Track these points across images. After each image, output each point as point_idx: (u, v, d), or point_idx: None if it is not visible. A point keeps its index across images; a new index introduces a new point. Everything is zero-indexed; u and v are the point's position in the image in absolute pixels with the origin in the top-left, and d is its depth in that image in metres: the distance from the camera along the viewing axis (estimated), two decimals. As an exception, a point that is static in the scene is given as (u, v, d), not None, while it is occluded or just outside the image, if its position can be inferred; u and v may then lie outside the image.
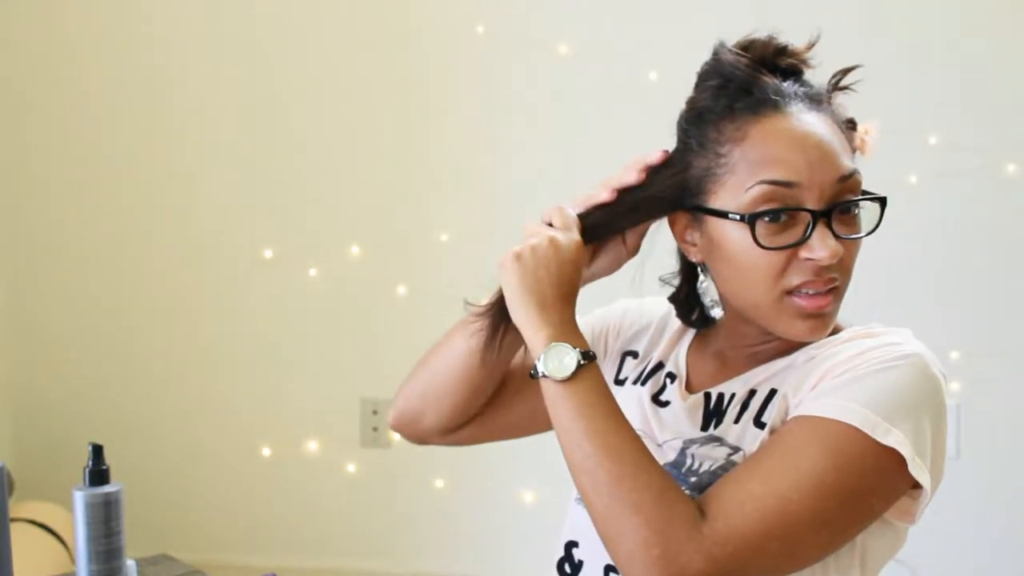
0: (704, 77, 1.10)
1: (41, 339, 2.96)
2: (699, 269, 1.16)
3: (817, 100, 1.08)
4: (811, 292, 1.05)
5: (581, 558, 1.16)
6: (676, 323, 1.25)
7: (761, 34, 1.09)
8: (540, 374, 1.04)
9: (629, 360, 1.25)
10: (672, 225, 1.14)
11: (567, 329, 1.06)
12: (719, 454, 1.08)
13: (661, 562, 0.94)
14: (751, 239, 1.03)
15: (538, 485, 2.69)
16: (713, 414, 1.12)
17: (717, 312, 1.20)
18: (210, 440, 2.87)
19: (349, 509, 2.82)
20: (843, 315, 1.09)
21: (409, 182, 2.75)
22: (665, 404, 1.17)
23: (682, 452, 1.11)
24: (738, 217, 1.04)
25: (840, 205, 1.04)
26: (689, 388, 1.18)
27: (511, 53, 2.61)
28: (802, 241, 1.03)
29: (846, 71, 1.11)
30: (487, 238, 2.58)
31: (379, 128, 2.76)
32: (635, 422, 1.15)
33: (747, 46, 1.09)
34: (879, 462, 0.98)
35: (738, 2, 2.36)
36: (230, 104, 2.81)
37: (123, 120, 2.86)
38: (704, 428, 1.12)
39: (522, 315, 1.07)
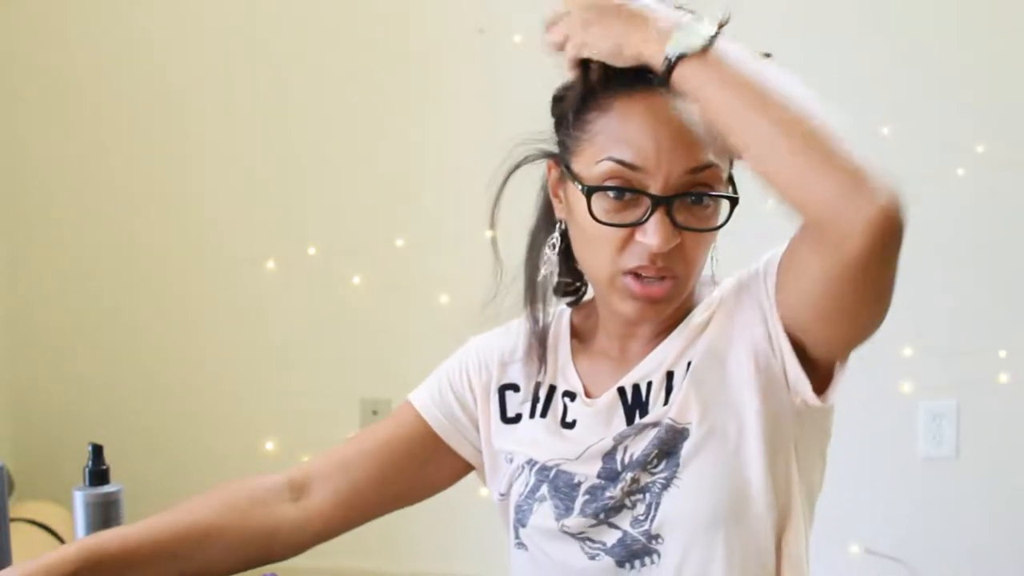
0: None
1: (41, 339, 2.96)
2: (558, 228, 1.15)
3: None
4: (644, 276, 1.04)
5: None
6: (546, 342, 1.21)
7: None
8: (673, 59, 0.95)
9: (511, 394, 1.20)
10: (549, 172, 1.14)
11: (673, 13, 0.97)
12: (650, 437, 1.08)
13: (877, 193, 0.89)
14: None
15: (538, 485, 2.68)
16: (635, 406, 1.10)
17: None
18: (211, 440, 2.87)
19: (349, 509, 2.81)
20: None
21: (409, 183, 2.75)
22: (572, 424, 1.14)
23: (614, 447, 1.10)
24: (579, 187, 1.05)
25: (684, 195, 1.02)
26: (590, 396, 1.16)
27: (511, 53, 2.61)
28: (638, 223, 1.03)
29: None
30: (488, 239, 2.58)
31: (379, 129, 2.76)
32: (545, 453, 1.14)
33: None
34: None
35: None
36: (231, 105, 2.81)
37: (123, 120, 2.86)
38: (630, 422, 1.10)
39: (619, 32, 0.98)
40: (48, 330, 2.95)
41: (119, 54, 2.85)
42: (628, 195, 1.03)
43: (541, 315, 1.18)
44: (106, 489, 1.22)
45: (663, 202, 1.01)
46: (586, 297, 1.22)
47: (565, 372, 1.18)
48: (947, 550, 2.56)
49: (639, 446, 1.08)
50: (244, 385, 2.86)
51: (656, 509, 1.06)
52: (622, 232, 1.03)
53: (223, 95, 2.82)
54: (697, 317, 1.11)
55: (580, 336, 1.20)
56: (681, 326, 1.11)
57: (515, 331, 1.22)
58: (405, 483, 1.25)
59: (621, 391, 1.12)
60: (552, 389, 1.18)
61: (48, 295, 2.94)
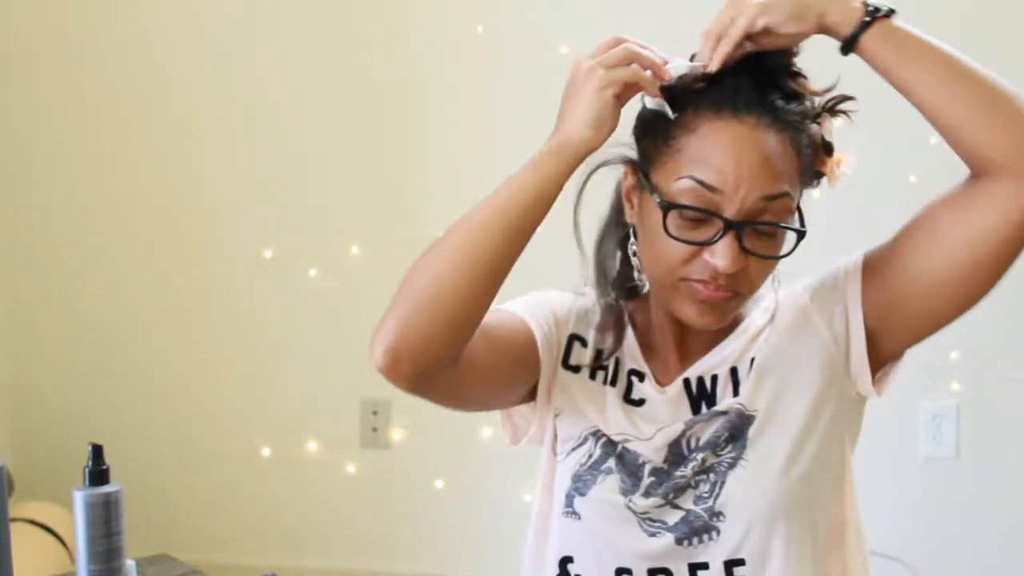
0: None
1: (41, 339, 2.96)
2: (631, 231, 1.18)
3: (787, 122, 1.08)
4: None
5: (579, 572, 1.18)
6: (623, 320, 1.25)
7: (798, 47, 1.10)
8: (869, 20, 1.04)
9: (577, 345, 1.22)
10: (625, 177, 1.17)
11: None
12: (719, 422, 1.14)
13: None
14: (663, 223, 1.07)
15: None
16: (701, 397, 1.17)
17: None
18: (210, 440, 2.87)
19: (349, 509, 2.81)
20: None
21: (409, 182, 2.75)
22: (640, 402, 1.19)
23: (683, 434, 1.15)
24: (658, 200, 1.08)
25: (754, 223, 1.07)
26: (659, 383, 1.20)
27: (511, 53, 2.61)
28: (708, 243, 1.07)
29: (842, 99, 1.14)
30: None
31: (379, 128, 2.76)
32: (614, 425, 1.18)
33: (771, 51, 1.08)
34: None
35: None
36: (230, 105, 2.81)
37: (122, 120, 2.86)
38: (696, 412, 1.16)
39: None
40: (48, 330, 2.95)
41: (119, 54, 2.85)
42: (703, 215, 1.07)
43: (615, 299, 1.22)
44: (106, 489, 1.22)
45: (735, 227, 1.06)
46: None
47: (634, 355, 1.22)
48: (947, 550, 2.56)
49: (707, 431, 1.14)
50: (244, 385, 2.86)
51: (721, 487, 1.12)
52: (691, 247, 1.08)
53: (221, 96, 2.82)
54: (758, 319, 1.18)
55: (637, 329, 1.24)
56: (740, 328, 1.18)
57: (575, 297, 1.25)
58: (502, 371, 1.18)
59: (686, 383, 1.18)
60: (618, 362, 1.22)
61: (48, 296, 2.93)
